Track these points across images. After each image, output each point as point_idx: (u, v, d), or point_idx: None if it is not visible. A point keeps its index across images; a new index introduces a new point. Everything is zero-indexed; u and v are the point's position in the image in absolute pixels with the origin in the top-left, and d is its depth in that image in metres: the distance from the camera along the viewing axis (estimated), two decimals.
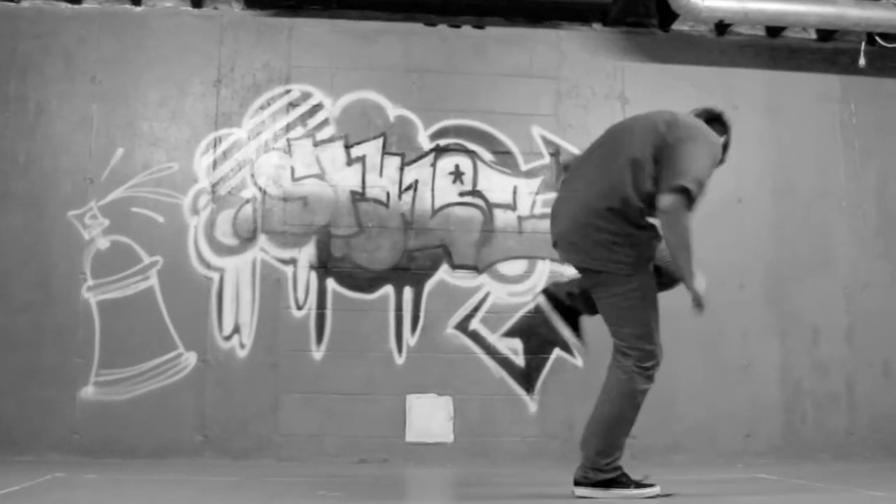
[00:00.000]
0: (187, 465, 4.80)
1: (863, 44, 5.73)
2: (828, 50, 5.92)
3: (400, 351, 5.25)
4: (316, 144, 5.41)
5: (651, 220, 3.29)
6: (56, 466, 4.41)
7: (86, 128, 5.30)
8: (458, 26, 5.66)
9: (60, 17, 5.40)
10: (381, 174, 5.42)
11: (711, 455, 5.29)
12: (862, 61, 5.69)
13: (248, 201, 5.32)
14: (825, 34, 5.88)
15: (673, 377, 5.33)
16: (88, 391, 5.04)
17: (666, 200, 3.11)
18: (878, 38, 5.70)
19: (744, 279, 5.56)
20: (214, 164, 5.34)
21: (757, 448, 5.37)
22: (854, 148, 5.83)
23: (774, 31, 5.86)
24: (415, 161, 5.46)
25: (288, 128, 5.42)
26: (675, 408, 5.35)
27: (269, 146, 5.38)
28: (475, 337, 5.29)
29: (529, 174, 5.50)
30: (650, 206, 3.21)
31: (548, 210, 5.36)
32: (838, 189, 5.78)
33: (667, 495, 3.35)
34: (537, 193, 5.49)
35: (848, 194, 5.78)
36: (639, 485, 3.35)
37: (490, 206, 5.46)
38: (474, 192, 5.48)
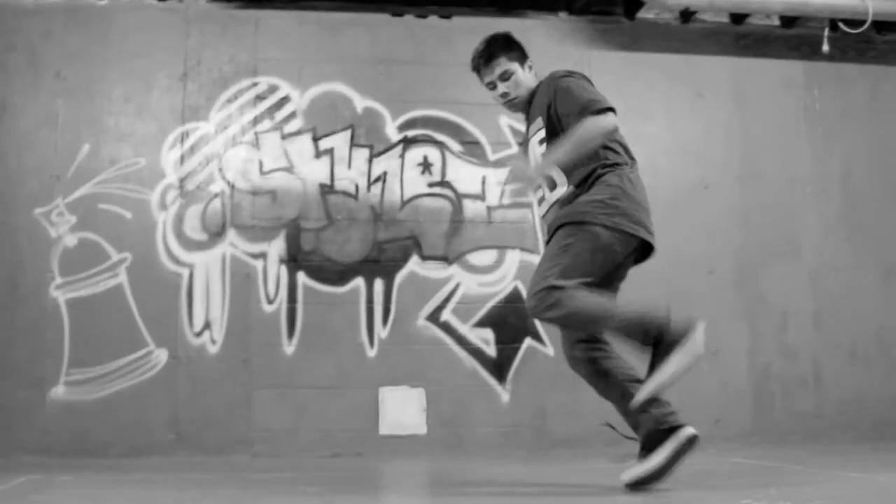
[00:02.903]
0: (161, 463, 4.78)
1: (826, 30, 5.78)
2: (791, 36, 5.97)
3: (371, 343, 5.25)
4: (284, 137, 5.39)
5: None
6: (28, 468, 4.35)
7: (51, 124, 5.25)
8: (424, 16, 5.65)
9: (23, 12, 5.32)
10: (349, 166, 5.41)
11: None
12: (825, 47, 5.75)
13: (216, 196, 5.29)
14: (788, 21, 5.93)
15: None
16: (59, 391, 5.00)
17: None
18: (840, 25, 5.74)
19: (713, 265, 5.62)
20: (182, 159, 5.30)
21: (728, 432, 5.43)
22: (818, 133, 5.90)
23: (739, 18, 5.90)
24: (383, 153, 5.45)
25: (255, 121, 5.39)
26: None
27: (237, 140, 5.35)
28: (446, 328, 5.30)
29: (498, 164, 5.50)
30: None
31: (517, 200, 5.48)
32: (803, 174, 5.85)
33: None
34: (506, 183, 5.50)
35: (813, 179, 5.85)
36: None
37: (459, 197, 5.47)
38: (443, 183, 5.48)
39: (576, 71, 3.42)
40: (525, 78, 3.47)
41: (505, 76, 3.44)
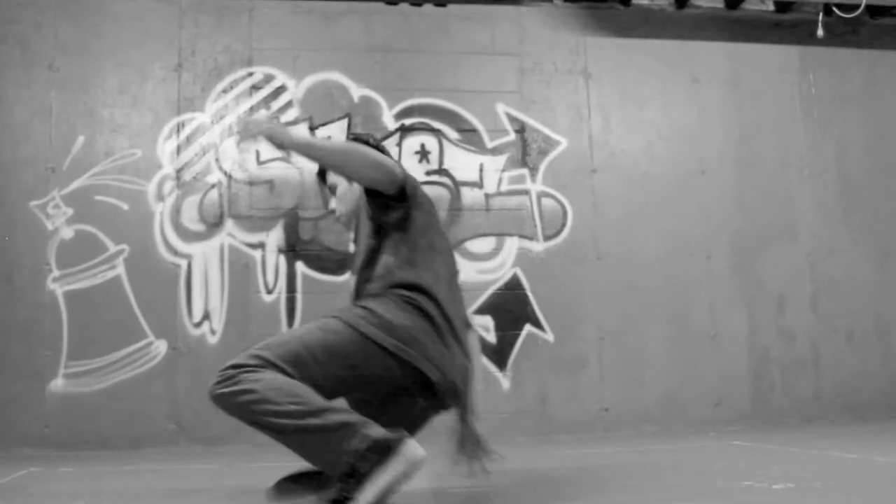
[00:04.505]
0: (162, 454, 4.77)
1: (820, 15, 5.79)
2: (786, 21, 5.98)
3: None
4: None
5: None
6: (29, 461, 4.36)
7: (45, 116, 5.21)
8: (419, 4, 5.63)
9: (15, 3, 5.28)
10: None
11: (682, 424, 5.37)
12: (820, 32, 5.75)
13: (213, 186, 5.27)
14: (783, 6, 5.95)
15: (643, 348, 5.42)
16: (58, 384, 4.98)
17: None
18: (834, 9, 5.76)
19: (710, 250, 5.63)
20: (178, 150, 5.27)
21: (727, 416, 5.46)
22: (813, 118, 5.91)
23: (733, 3, 5.91)
24: (380, 141, 5.42)
25: (251, 111, 5.37)
26: (645, 379, 5.42)
27: (234, 130, 5.33)
28: None
29: (495, 151, 5.51)
30: None
31: (515, 187, 5.48)
32: (799, 158, 5.86)
33: None
34: (503, 170, 5.50)
35: (809, 163, 5.87)
36: None
37: (457, 185, 5.46)
38: (441, 171, 5.47)
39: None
40: (352, 193, 2.74)
41: (332, 189, 2.74)
